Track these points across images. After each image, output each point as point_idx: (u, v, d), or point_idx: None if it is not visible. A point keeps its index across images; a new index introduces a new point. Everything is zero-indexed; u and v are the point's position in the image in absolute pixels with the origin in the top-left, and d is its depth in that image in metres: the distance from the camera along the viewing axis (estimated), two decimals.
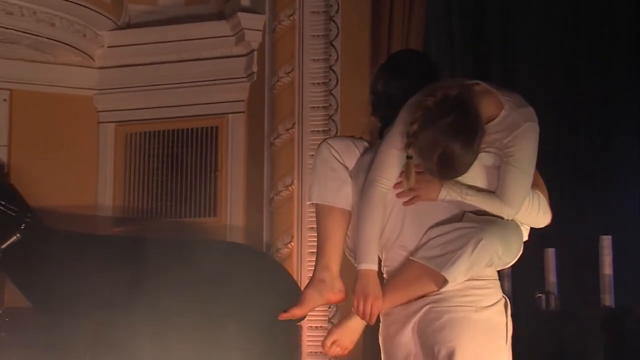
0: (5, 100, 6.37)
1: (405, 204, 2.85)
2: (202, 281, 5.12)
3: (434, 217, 2.84)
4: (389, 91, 3.01)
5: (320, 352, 5.61)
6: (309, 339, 5.67)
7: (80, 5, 6.14)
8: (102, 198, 6.46)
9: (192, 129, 6.37)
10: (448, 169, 2.74)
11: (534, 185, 2.90)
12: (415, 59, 3.19)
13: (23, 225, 5.32)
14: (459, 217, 2.82)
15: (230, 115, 6.31)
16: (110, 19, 6.40)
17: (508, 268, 3.16)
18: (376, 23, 5.79)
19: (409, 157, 2.76)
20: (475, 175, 2.83)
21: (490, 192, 2.84)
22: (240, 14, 6.12)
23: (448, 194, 2.81)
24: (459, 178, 2.81)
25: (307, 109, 5.93)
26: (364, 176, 2.90)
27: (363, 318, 2.87)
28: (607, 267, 4.70)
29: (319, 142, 5.60)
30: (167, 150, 6.41)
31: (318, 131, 5.88)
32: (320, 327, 5.67)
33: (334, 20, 5.93)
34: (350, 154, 2.99)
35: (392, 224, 2.89)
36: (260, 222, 5.97)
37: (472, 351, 2.77)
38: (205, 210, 6.28)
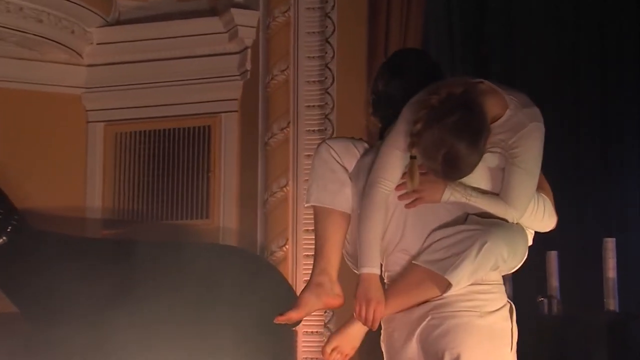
0: None
1: (407, 206, 2.86)
2: (194, 285, 5.12)
3: (437, 220, 2.84)
4: (389, 91, 3.01)
5: (316, 358, 5.62)
6: (305, 344, 5.68)
7: (68, 1, 6.13)
8: (91, 200, 6.45)
9: (183, 128, 6.36)
10: (453, 169, 2.74)
11: (539, 188, 2.90)
12: (417, 57, 3.19)
13: (9, 227, 5.31)
14: (463, 220, 2.82)
15: (223, 114, 6.30)
16: (99, 15, 6.40)
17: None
18: (373, 19, 5.80)
19: (412, 157, 2.76)
20: (479, 177, 2.83)
21: (494, 194, 2.84)
22: (233, 10, 6.11)
23: (452, 194, 2.81)
24: (463, 179, 2.81)
25: (302, 107, 5.93)
26: (364, 178, 2.91)
27: (365, 323, 2.86)
28: (611, 271, 4.71)
29: (315, 142, 5.74)
30: (158, 150, 6.40)
31: (313, 131, 5.88)
32: (316, 332, 5.68)
33: (330, 17, 5.93)
34: (350, 155, 2.99)
35: (394, 227, 2.89)
36: (254, 224, 5.97)
37: (476, 357, 2.77)
38: (198, 212, 6.28)
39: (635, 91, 5.81)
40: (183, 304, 5.06)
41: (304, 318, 3.10)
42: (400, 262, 2.89)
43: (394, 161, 2.83)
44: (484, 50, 5.97)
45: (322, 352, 3.00)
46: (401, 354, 2.87)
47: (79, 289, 5.06)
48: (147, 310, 5.01)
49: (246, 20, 6.14)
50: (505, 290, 2.94)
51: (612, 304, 4.66)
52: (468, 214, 2.83)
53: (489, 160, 2.81)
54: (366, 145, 3.03)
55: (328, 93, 5.90)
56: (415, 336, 2.83)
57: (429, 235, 2.83)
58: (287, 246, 5.81)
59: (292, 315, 2.97)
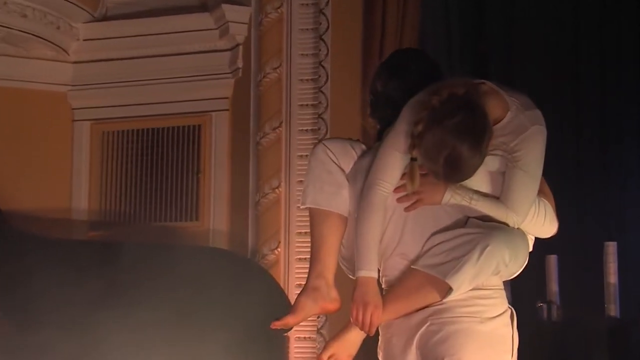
0: None
1: (406, 209, 2.88)
2: (183, 289, 5.12)
3: (436, 224, 2.86)
4: (388, 91, 3.04)
5: None
6: (297, 351, 5.69)
7: None
8: (77, 201, 6.45)
9: (173, 127, 6.36)
10: (454, 171, 2.76)
11: (540, 193, 2.93)
12: (416, 57, 3.21)
13: None
14: (463, 223, 2.85)
15: (213, 113, 6.30)
16: (86, 10, 6.39)
17: None
18: (369, 16, 5.82)
19: (413, 159, 2.77)
20: (480, 181, 2.85)
21: (495, 197, 2.86)
22: (224, 6, 6.11)
23: (452, 197, 2.83)
24: (463, 183, 2.83)
25: (295, 107, 5.94)
26: (362, 180, 2.92)
27: (362, 328, 2.88)
28: (612, 275, 4.73)
29: (308, 142, 5.77)
30: (146, 150, 6.40)
31: (307, 130, 5.90)
32: (309, 337, 5.69)
33: (324, 13, 5.94)
34: (347, 157, 3.01)
35: (392, 231, 2.91)
36: (245, 226, 5.98)
37: None
38: (187, 214, 6.28)
39: (635, 91, 5.86)
40: (171, 308, 5.07)
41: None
42: (398, 266, 2.91)
43: (393, 163, 2.85)
44: (482, 48, 6.00)
45: (318, 359, 3.01)
46: None
47: (64, 293, 5.07)
48: (134, 315, 5.01)
49: (238, 16, 6.15)
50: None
51: (613, 309, 4.68)
52: (468, 217, 2.85)
53: (490, 163, 2.83)
54: (363, 146, 3.05)
55: (322, 92, 5.91)
56: (415, 342, 2.85)
57: (428, 239, 2.85)
58: (279, 249, 5.82)
59: (289, 320, 3.00)
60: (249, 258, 5.85)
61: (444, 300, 2.82)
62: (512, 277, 2.96)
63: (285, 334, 5.42)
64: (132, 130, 6.45)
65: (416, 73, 3.03)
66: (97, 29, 6.49)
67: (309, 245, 3.08)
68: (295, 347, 5.68)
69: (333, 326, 5.47)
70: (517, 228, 2.89)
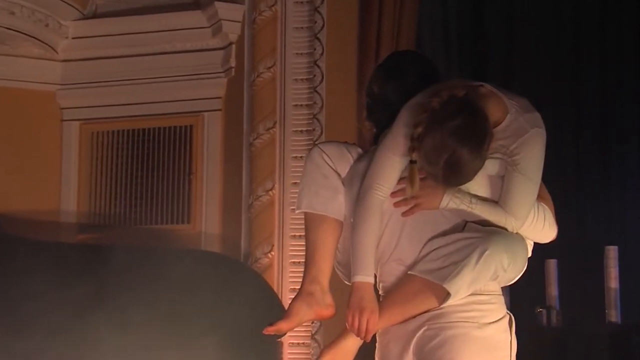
0: None
1: (404, 214, 2.89)
2: (174, 293, 5.14)
3: (434, 228, 2.87)
4: (385, 94, 3.05)
5: None
6: (290, 357, 5.70)
7: None
8: (66, 203, 6.45)
9: (164, 128, 6.37)
10: (454, 174, 2.77)
11: (539, 198, 2.94)
12: (413, 59, 3.21)
13: None
14: (460, 228, 2.86)
15: (206, 113, 6.31)
16: (75, 7, 6.39)
17: None
18: (365, 15, 5.83)
19: (412, 162, 2.79)
20: (478, 185, 2.87)
21: (494, 201, 2.88)
22: (217, 4, 6.12)
23: (451, 201, 2.84)
24: (462, 187, 2.85)
25: (289, 107, 5.95)
26: (358, 184, 2.94)
27: (358, 335, 2.89)
28: (612, 280, 4.75)
29: (302, 143, 5.77)
30: (137, 151, 6.40)
31: (301, 131, 5.90)
32: (303, 343, 5.70)
33: (319, 11, 5.95)
34: (343, 161, 3.03)
35: (389, 236, 2.92)
36: (238, 229, 5.98)
37: None
38: (179, 217, 6.29)
39: (636, 92, 5.89)
40: (162, 312, 5.08)
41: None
42: (394, 272, 2.92)
43: (390, 166, 2.86)
44: (481, 47, 6.03)
45: None
46: None
47: (54, 297, 5.08)
48: (124, 319, 5.04)
49: (231, 14, 6.15)
50: None
51: (613, 315, 4.70)
52: (466, 222, 2.86)
53: (489, 167, 2.85)
54: (360, 150, 3.07)
55: (316, 92, 5.92)
56: (411, 347, 2.86)
57: (426, 244, 2.86)
58: (272, 253, 5.81)
59: (283, 325, 3.00)
60: (242, 261, 5.86)
61: (442, 306, 2.83)
62: (510, 283, 2.97)
63: (279, 340, 5.44)
64: (123, 131, 6.45)
65: (414, 75, 3.04)
66: (86, 26, 6.49)
67: (303, 248, 3.10)
68: (289, 352, 5.69)
69: (327, 332, 5.49)
70: (516, 233, 2.90)
